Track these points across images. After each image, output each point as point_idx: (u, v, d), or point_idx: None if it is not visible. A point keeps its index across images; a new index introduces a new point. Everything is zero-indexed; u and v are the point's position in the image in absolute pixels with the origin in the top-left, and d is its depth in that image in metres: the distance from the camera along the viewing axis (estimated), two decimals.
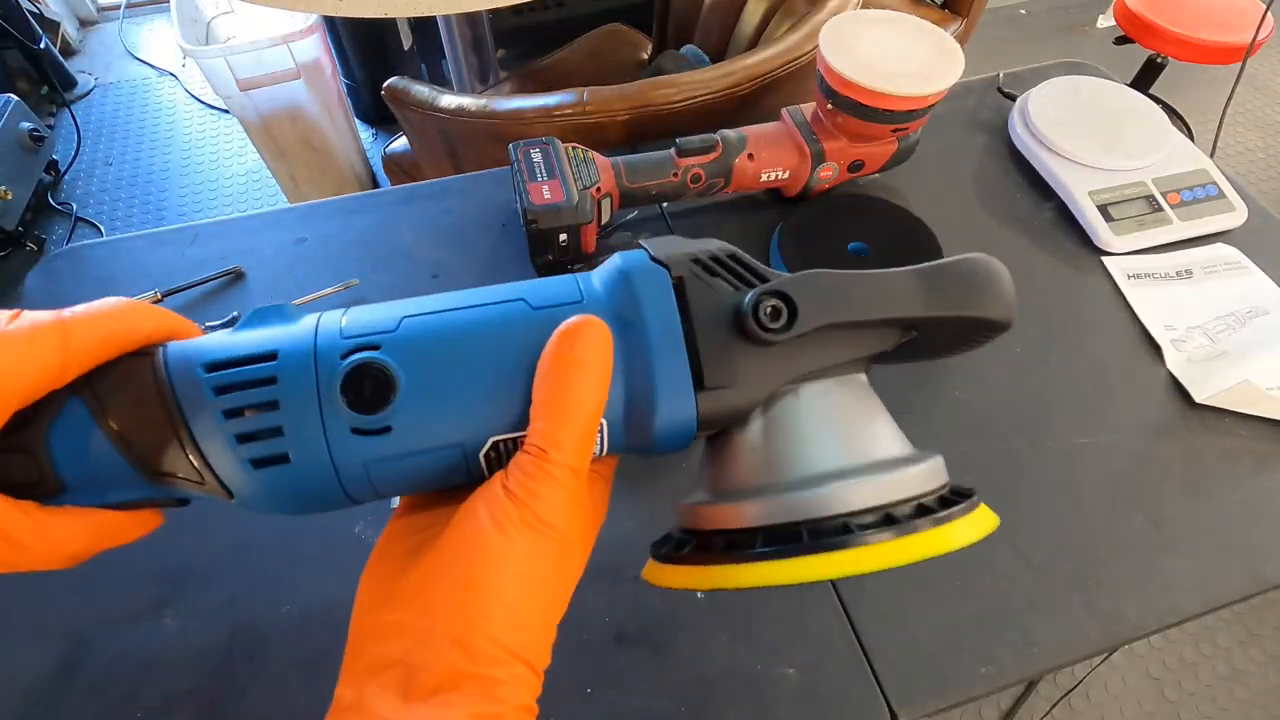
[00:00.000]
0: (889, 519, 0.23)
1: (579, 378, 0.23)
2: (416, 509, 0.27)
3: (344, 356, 0.23)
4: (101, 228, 1.70)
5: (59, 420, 0.23)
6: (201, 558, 0.46)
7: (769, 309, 0.25)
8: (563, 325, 0.24)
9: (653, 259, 0.26)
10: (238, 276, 0.61)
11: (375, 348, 0.24)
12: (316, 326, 0.24)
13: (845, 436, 0.26)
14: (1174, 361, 0.57)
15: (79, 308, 0.23)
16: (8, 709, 0.41)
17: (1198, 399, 0.55)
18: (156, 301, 0.57)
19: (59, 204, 1.73)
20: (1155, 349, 0.59)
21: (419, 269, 0.62)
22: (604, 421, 0.25)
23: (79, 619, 0.44)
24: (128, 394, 0.23)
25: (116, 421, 0.23)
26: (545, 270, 0.62)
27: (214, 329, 0.55)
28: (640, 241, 0.27)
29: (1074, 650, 0.45)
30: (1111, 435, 0.54)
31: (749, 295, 0.25)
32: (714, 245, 0.27)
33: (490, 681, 0.22)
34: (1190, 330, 0.59)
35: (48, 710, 0.41)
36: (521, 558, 0.23)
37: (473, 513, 0.24)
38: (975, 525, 0.24)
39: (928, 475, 0.25)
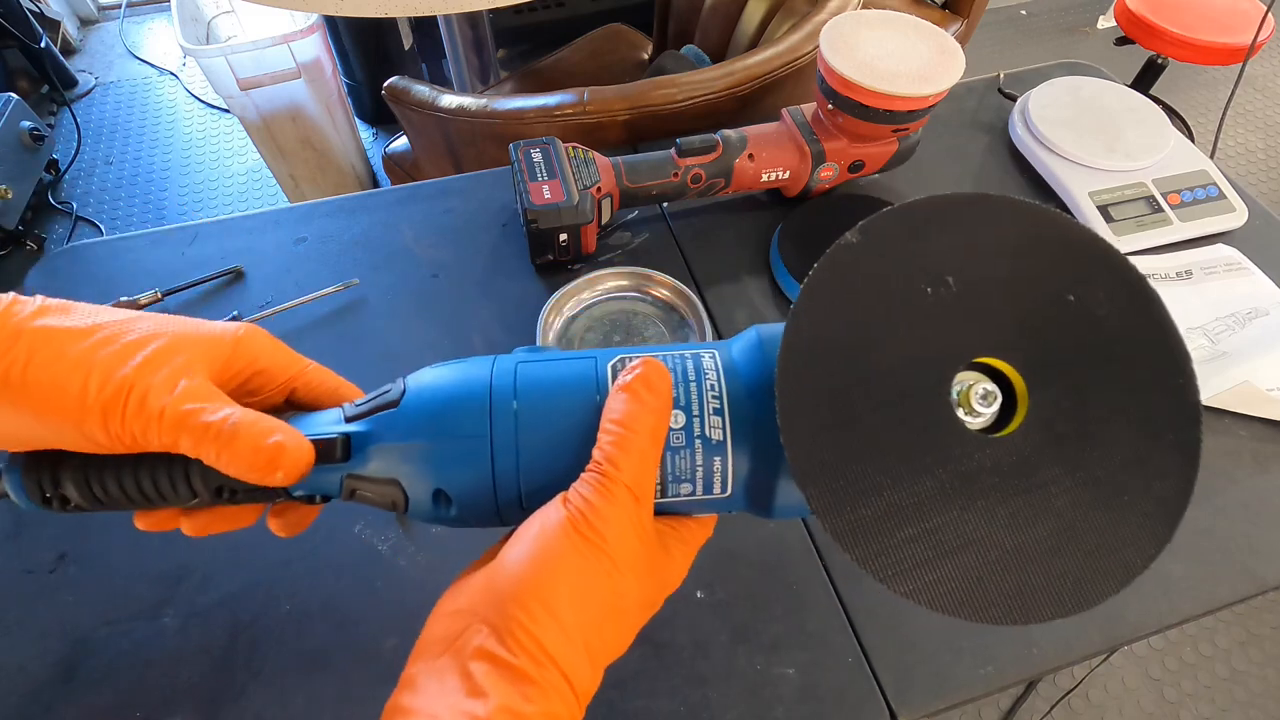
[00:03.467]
0: None
1: (637, 408, 0.26)
2: None
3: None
4: (102, 227, 1.70)
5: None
6: (200, 557, 0.46)
7: None
8: (628, 366, 0.27)
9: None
10: (238, 276, 0.61)
11: None
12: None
13: None
14: None
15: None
16: (8, 709, 0.41)
17: None
18: (156, 301, 0.57)
19: (59, 203, 1.73)
20: None
21: (419, 269, 0.62)
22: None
23: (79, 619, 0.44)
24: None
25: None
26: (545, 270, 0.62)
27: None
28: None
29: (1074, 651, 0.45)
30: None
31: None
32: None
33: (521, 676, 0.22)
34: (1190, 331, 0.59)
35: (48, 710, 0.41)
36: (566, 562, 0.24)
37: (530, 522, 0.26)
38: None
39: None
